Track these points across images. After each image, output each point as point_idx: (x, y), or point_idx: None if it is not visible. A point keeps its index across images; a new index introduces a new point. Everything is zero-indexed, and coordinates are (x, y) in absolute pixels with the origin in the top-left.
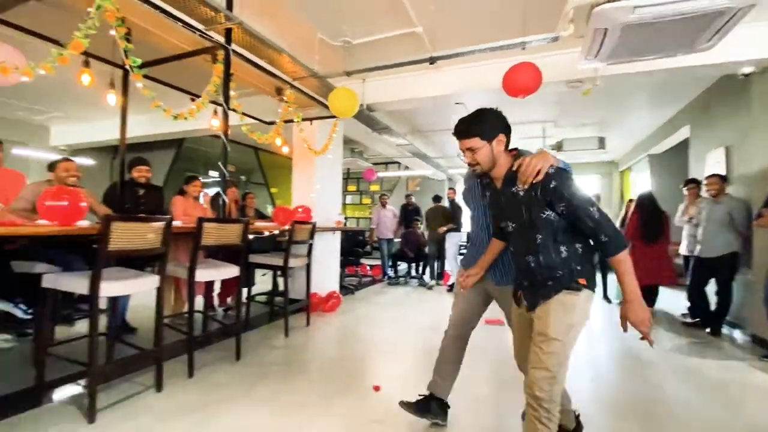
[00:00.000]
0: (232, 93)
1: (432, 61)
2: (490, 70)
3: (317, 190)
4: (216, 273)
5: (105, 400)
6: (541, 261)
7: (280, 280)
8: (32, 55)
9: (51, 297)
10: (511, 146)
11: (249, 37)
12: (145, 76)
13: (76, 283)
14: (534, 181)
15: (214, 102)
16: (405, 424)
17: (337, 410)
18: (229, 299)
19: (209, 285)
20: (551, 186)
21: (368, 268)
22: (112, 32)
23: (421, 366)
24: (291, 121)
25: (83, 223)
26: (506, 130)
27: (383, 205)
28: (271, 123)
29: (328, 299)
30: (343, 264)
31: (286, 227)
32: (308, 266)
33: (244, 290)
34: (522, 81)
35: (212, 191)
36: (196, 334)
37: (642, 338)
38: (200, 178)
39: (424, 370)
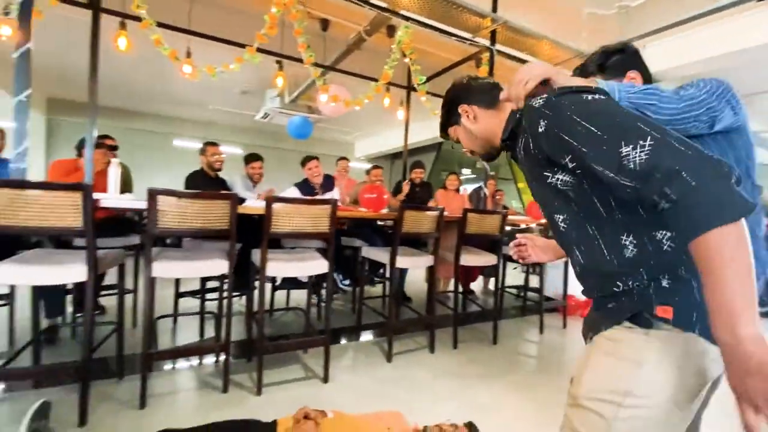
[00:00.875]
0: None
1: None
2: None
3: None
4: (477, 259)
5: (396, 347)
6: (581, 261)
7: (532, 277)
8: (351, 90)
9: (363, 264)
10: None
11: (512, 34)
12: (426, 92)
13: (382, 255)
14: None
15: None
16: None
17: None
18: (471, 285)
19: (467, 269)
20: (540, 130)
21: None
22: (406, 60)
23: None
24: None
25: (384, 211)
26: (470, 96)
27: None
28: None
29: (587, 304)
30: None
31: (541, 221)
32: (566, 264)
33: (492, 280)
34: None
35: (469, 187)
36: (460, 312)
37: None
38: (456, 173)
39: None
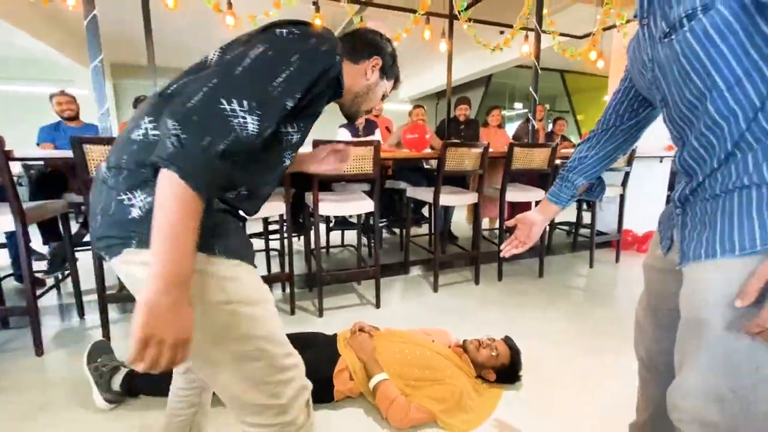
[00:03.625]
0: (545, 11)
1: None
2: None
3: None
4: (524, 195)
5: (441, 280)
6: None
7: (586, 214)
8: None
9: (409, 204)
10: None
11: None
12: (468, 19)
13: (425, 194)
14: None
15: (525, 28)
16: None
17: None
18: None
19: (516, 206)
20: None
21: None
22: None
23: None
24: (612, 27)
25: (426, 151)
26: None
27: None
28: (586, 36)
29: (645, 239)
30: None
31: None
32: (622, 197)
33: None
34: None
35: (514, 126)
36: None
37: None
38: (499, 107)
39: None
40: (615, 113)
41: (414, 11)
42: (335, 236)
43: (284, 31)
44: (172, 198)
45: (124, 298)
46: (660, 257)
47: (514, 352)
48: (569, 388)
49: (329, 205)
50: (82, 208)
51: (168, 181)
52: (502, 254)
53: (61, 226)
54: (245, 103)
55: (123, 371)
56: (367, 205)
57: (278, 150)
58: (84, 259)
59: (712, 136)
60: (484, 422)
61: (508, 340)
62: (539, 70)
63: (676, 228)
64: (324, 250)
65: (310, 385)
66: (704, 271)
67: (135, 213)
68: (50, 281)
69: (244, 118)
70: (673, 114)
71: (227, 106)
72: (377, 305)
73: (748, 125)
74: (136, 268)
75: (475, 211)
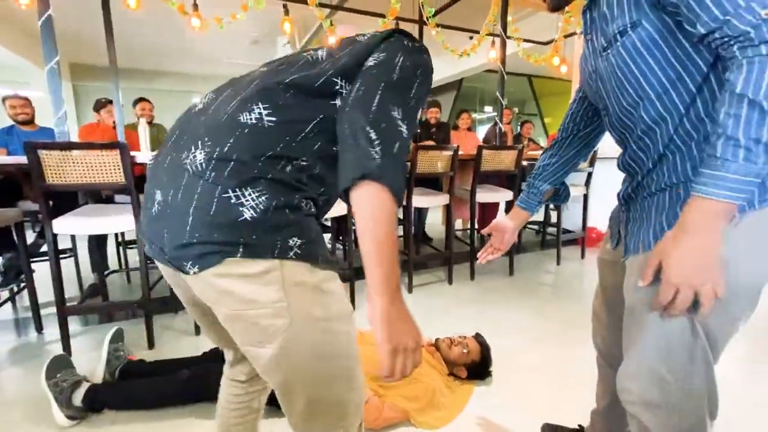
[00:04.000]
0: (509, 18)
1: None
2: None
3: None
4: (493, 196)
5: (415, 281)
6: None
7: (553, 213)
8: (363, 29)
9: None
10: None
11: None
12: (437, 24)
13: None
14: None
15: (491, 34)
16: None
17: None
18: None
19: (486, 207)
20: None
21: None
22: None
23: None
24: (573, 34)
25: None
26: None
27: None
28: (549, 42)
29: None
30: None
31: None
32: (585, 197)
33: None
34: None
35: (485, 129)
36: (477, 246)
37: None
38: (468, 111)
39: None
40: (572, 122)
41: (384, 16)
42: None
43: (410, 43)
44: (381, 209)
45: (86, 310)
46: (610, 251)
47: (485, 348)
48: (540, 379)
49: None
50: (39, 216)
51: (377, 192)
52: (479, 261)
53: (15, 236)
54: (400, 111)
55: (85, 386)
56: (339, 209)
57: None
58: (41, 271)
59: (647, 139)
60: (457, 417)
61: (478, 337)
62: (505, 75)
63: (622, 224)
64: None
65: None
66: (637, 263)
67: (247, 214)
68: (5, 294)
69: (401, 125)
70: (614, 121)
71: (394, 113)
72: (353, 308)
73: (676, 129)
74: (237, 283)
75: (447, 213)
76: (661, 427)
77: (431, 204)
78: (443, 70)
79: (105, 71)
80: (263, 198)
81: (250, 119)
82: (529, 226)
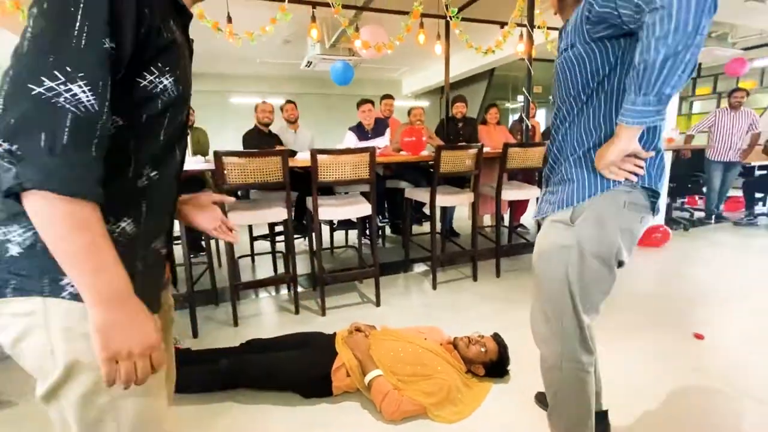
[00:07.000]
0: (536, 11)
1: None
2: None
3: None
4: (519, 193)
5: (440, 277)
6: None
7: None
8: (390, 26)
9: (408, 204)
10: None
11: None
12: (463, 19)
13: (423, 195)
14: None
15: (519, 25)
16: (728, 376)
17: (646, 346)
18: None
19: (515, 203)
20: None
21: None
22: None
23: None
24: None
25: (424, 153)
26: None
27: (733, 107)
28: None
29: (650, 233)
30: (673, 193)
31: None
32: None
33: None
34: None
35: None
36: (502, 244)
37: None
38: (497, 106)
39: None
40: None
41: (407, 13)
42: (340, 235)
43: None
44: (51, 217)
45: None
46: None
47: (502, 348)
48: None
49: (328, 210)
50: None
51: (40, 201)
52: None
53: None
54: (57, 72)
55: None
56: (364, 209)
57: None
58: None
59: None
60: (473, 413)
61: (496, 337)
62: (532, 66)
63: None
64: (328, 251)
65: None
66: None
67: (14, 250)
68: None
69: (68, 90)
70: (555, 111)
71: (39, 88)
72: (377, 304)
73: (565, 131)
74: (8, 322)
75: (473, 210)
76: (550, 354)
77: (456, 203)
78: (473, 61)
79: None
80: (30, 233)
81: None
82: None
